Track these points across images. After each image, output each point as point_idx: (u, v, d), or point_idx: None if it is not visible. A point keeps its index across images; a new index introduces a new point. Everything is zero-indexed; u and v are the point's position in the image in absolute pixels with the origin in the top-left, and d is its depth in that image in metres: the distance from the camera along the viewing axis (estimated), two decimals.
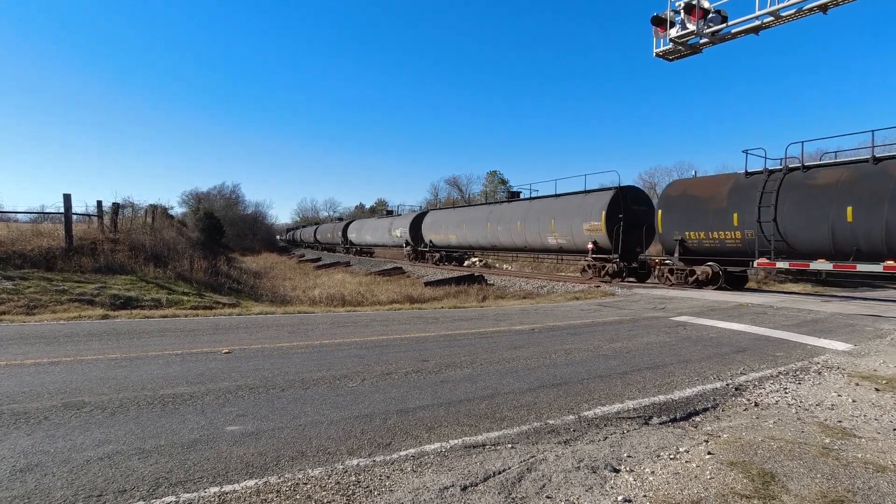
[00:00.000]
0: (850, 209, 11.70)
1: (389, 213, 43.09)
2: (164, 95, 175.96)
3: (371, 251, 44.23)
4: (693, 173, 17.87)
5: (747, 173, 14.61)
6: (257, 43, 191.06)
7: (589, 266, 19.57)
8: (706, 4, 9.73)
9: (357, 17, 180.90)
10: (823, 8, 8.62)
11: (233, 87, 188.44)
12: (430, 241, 30.94)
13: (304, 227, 75.23)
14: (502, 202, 26.68)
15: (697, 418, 4.03)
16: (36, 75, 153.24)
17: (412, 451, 3.22)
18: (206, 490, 2.64)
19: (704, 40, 10.08)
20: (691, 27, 9.86)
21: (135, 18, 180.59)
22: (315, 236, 59.26)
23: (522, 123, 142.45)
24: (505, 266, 31.79)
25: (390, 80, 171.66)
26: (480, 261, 33.68)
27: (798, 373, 5.47)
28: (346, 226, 48.07)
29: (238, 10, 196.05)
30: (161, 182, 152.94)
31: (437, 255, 30.42)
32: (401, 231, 34.21)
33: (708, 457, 3.17)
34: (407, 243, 33.36)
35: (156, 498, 2.56)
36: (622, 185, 19.10)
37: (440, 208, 36.38)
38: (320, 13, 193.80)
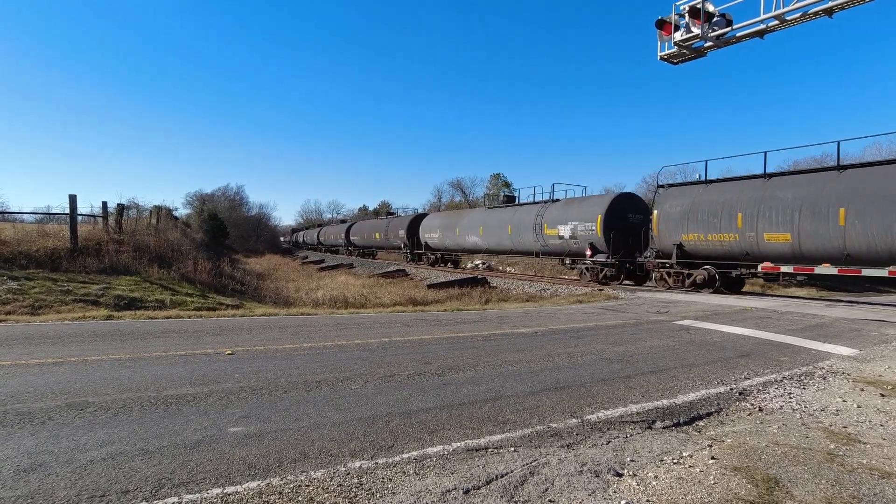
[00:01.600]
0: None
1: (510, 199, 27.04)
2: (169, 98, 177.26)
3: (456, 259, 31.81)
4: (697, 176, 17.79)
5: None
6: (263, 49, 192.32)
7: None
8: (711, 8, 9.74)
9: (361, 25, 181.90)
10: (829, 12, 8.62)
11: (238, 91, 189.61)
12: (679, 245, 15.75)
13: (321, 226, 62.02)
14: None
15: (701, 423, 4.01)
16: (42, 80, 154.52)
17: (415, 453, 3.22)
18: (209, 491, 2.65)
19: (709, 44, 10.08)
20: (696, 31, 9.87)
21: (140, 24, 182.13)
22: (347, 237, 46.01)
23: (524, 127, 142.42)
24: None
25: (393, 85, 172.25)
26: None
27: (803, 378, 5.44)
28: (414, 223, 33.06)
29: (243, 17, 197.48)
30: (166, 183, 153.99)
31: (705, 274, 15.28)
32: (575, 229, 19.19)
33: (712, 461, 3.16)
34: (595, 249, 18.52)
35: (158, 499, 2.56)
36: None
37: (709, 181, 16.01)
38: (324, 20, 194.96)
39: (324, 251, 54.08)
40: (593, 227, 18.34)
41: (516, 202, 25.53)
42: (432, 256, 31.38)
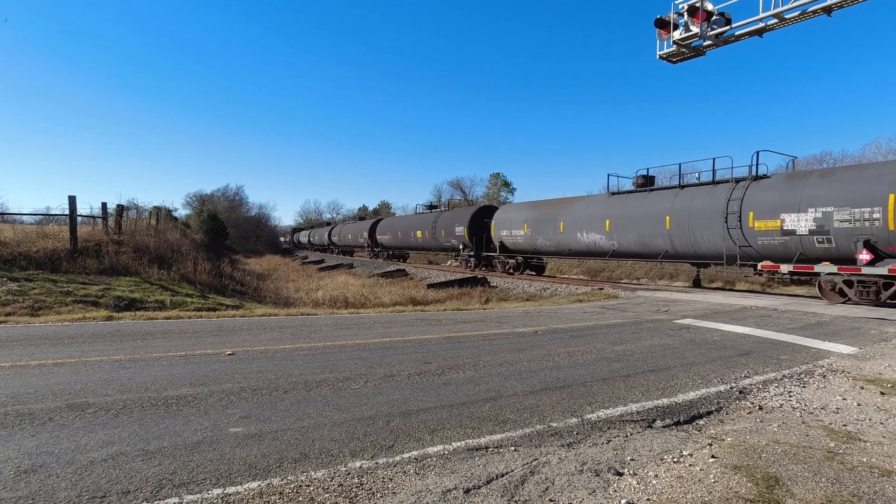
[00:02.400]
0: None
1: (648, 181, 18.19)
2: (169, 99, 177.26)
3: (541, 266, 23.96)
4: (697, 176, 17.77)
5: None
6: (262, 48, 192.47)
7: None
8: (709, 6, 9.74)
9: (361, 25, 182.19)
10: (827, 10, 8.62)
11: (237, 91, 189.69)
12: None
13: (332, 224, 56.26)
14: None
15: (701, 422, 4.02)
16: (42, 80, 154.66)
17: (415, 453, 3.22)
18: (210, 491, 2.65)
19: (708, 42, 10.09)
20: (695, 29, 9.87)
21: (140, 24, 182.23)
22: (371, 237, 37.40)
23: (524, 126, 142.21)
24: None
25: (393, 85, 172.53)
26: None
27: (802, 376, 5.44)
28: (479, 216, 25.37)
29: (242, 17, 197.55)
30: (165, 184, 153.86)
31: None
32: (824, 219, 11.92)
33: (712, 460, 3.16)
34: (876, 252, 11.29)
35: (159, 499, 2.56)
36: None
37: None
38: (324, 20, 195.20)
39: (337, 253, 48.80)
40: (875, 215, 11.01)
41: (675, 184, 16.61)
42: (511, 261, 23.32)
